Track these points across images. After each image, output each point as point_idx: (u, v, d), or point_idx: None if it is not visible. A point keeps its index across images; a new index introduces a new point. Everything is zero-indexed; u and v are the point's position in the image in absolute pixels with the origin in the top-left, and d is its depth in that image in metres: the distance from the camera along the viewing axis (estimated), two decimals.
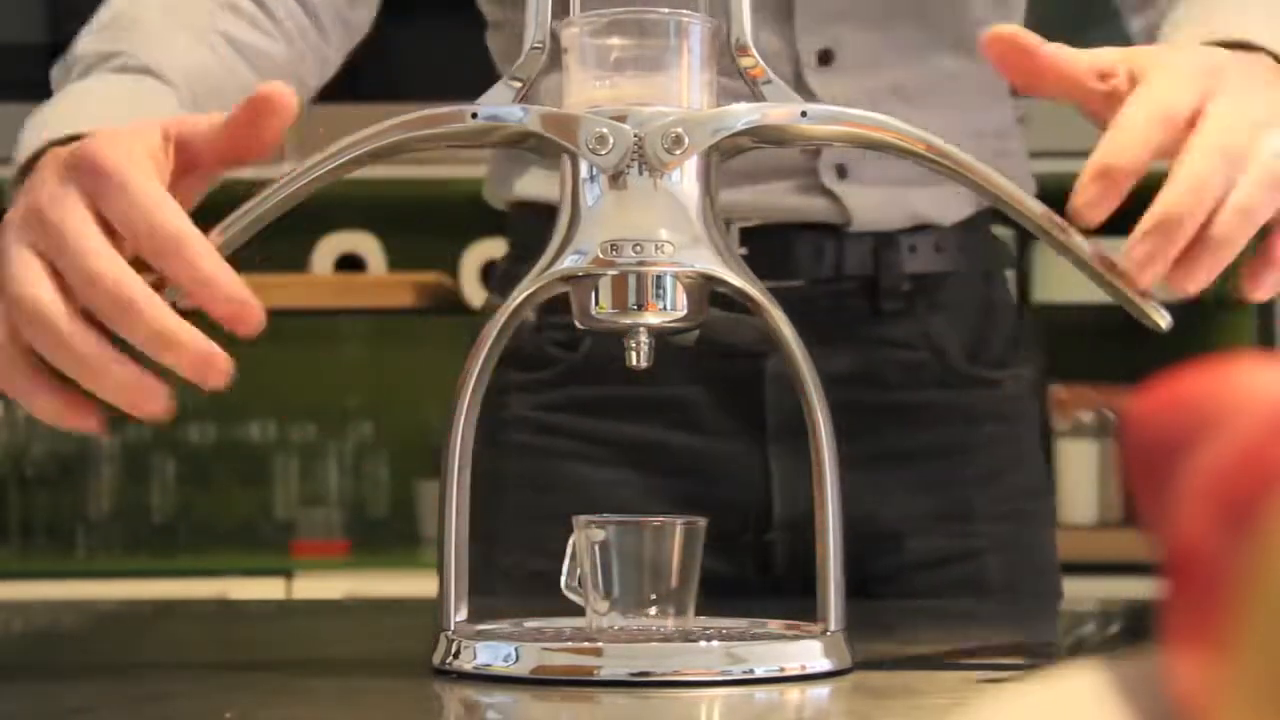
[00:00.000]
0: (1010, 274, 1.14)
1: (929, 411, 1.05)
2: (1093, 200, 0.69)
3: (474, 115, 0.73)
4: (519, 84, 0.74)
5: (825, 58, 1.01)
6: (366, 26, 1.05)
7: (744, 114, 0.73)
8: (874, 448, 1.04)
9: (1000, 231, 1.14)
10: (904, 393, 0.94)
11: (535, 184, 1.09)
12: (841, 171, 1.02)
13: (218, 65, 0.90)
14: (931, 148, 0.73)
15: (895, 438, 1.05)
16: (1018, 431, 1.09)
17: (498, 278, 1.16)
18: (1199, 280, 0.70)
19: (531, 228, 1.09)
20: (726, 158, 0.75)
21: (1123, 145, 0.69)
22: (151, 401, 0.69)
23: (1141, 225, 0.68)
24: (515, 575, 1.04)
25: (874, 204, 1.02)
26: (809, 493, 1.04)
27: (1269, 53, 0.76)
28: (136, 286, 0.67)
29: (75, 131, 0.75)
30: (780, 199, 1.01)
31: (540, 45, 0.74)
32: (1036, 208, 0.73)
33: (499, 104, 0.74)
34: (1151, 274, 0.69)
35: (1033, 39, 0.73)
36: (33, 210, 0.70)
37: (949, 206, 1.06)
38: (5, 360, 0.70)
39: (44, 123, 0.79)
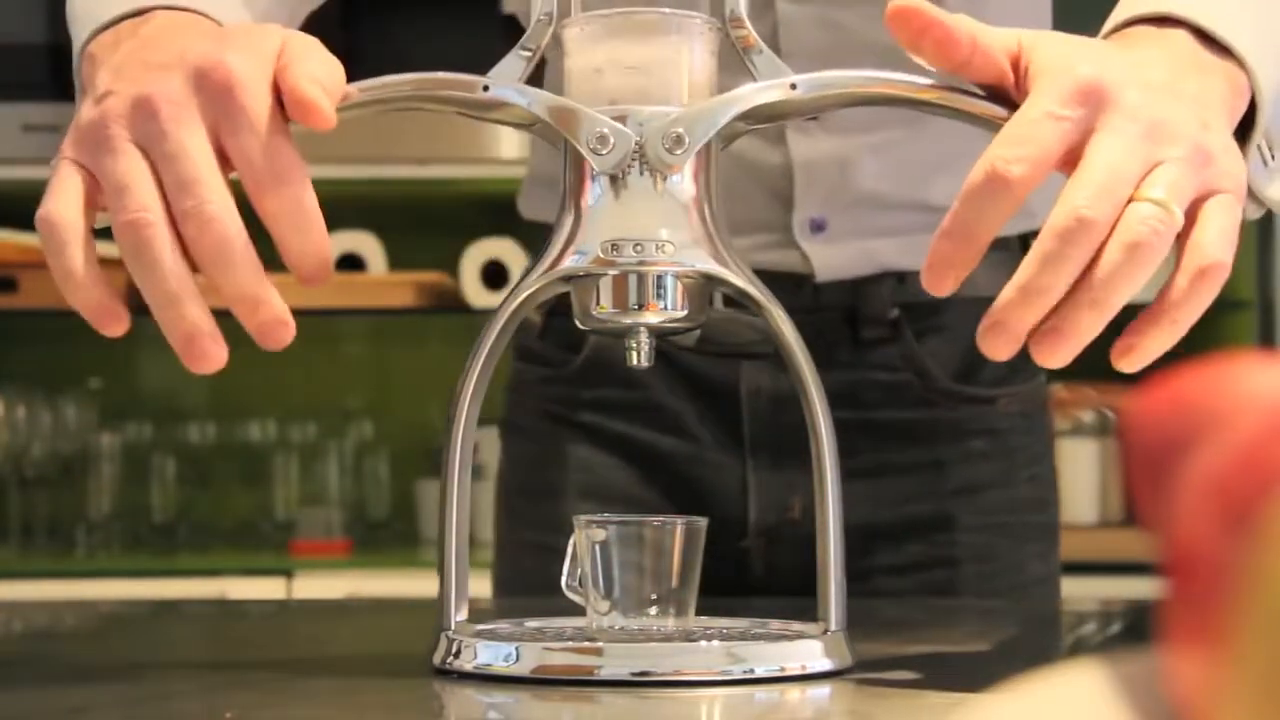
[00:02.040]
0: None
1: (908, 429, 1.05)
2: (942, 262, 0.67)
3: (485, 88, 0.73)
4: (528, 53, 0.74)
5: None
6: None
7: (738, 100, 0.73)
8: (846, 464, 1.04)
9: None
10: (882, 411, 0.94)
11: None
12: (816, 226, 1.04)
13: None
14: (918, 88, 0.72)
15: (869, 455, 1.05)
16: (1010, 446, 1.08)
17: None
18: (1057, 354, 0.66)
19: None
20: (726, 143, 0.75)
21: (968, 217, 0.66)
22: (208, 359, 0.67)
23: (1006, 295, 0.65)
24: (521, 550, 1.12)
25: (843, 260, 1.04)
26: (783, 503, 1.06)
27: (1191, 25, 0.71)
28: (240, 239, 0.66)
29: (182, 4, 0.74)
30: (751, 255, 1.00)
31: (548, 16, 0.74)
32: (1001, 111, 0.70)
33: (510, 77, 0.74)
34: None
35: (938, 12, 0.68)
36: (148, 103, 0.67)
37: (919, 253, 1.05)
38: (71, 235, 0.67)
39: None
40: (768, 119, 0.75)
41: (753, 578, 1.06)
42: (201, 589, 2.38)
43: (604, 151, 0.71)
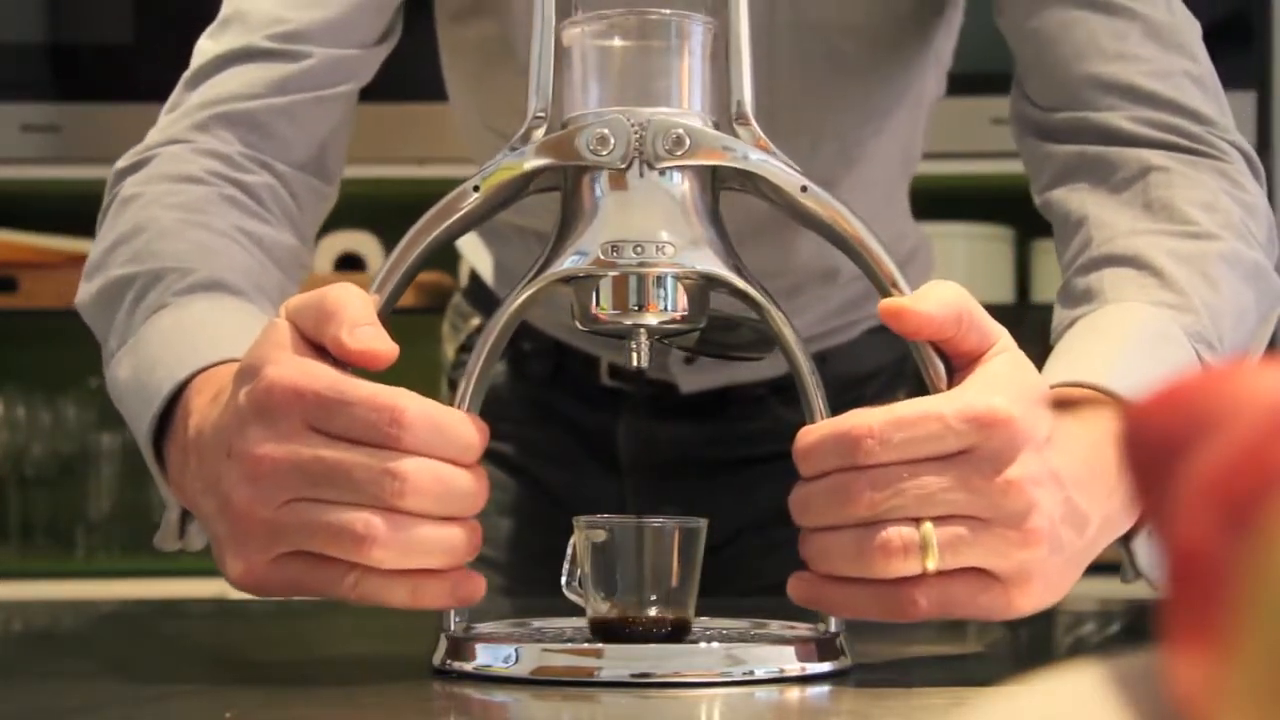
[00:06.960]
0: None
1: (776, 452, 1.09)
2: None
3: (475, 188, 0.74)
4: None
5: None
6: (333, 199, 1.02)
7: (755, 154, 0.73)
8: (719, 478, 1.21)
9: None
10: (754, 448, 1.13)
11: None
12: (688, 360, 1.18)
13: (254, 262, 0.88)
14: (890, 277, 0.73)
15: (734, 467, 1.21)
16: None
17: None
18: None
19: None
20: (719, 187, 0.74)
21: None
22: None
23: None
24: None
25: (706, 380, 1.20)
26: (658, 512, 1.12)
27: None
28: (444, 469, 0.67)
29: (211, 361, 0.77)
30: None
31: (543, 114, 0.74)
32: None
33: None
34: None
35: (927, 308, 0.70)
36: (258, 466, 0.68)
37: (763, 369, 1.17)
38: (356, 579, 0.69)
39: (156, 361, 0.79)
40: (768, 197, 0.74)
41: None
42: (201, 589, 2.37)
43: (605, 152, 0.72)
